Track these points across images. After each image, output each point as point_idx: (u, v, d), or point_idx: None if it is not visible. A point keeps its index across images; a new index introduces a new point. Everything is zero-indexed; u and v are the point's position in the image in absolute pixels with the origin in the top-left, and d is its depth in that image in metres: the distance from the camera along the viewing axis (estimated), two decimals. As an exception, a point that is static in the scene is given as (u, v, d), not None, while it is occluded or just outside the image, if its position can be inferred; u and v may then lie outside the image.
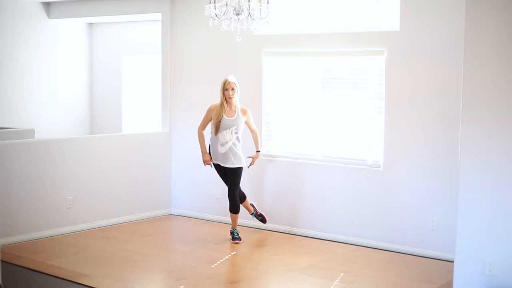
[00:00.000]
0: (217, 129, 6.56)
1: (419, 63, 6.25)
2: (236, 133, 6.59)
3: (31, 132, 8.02)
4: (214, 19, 5.57)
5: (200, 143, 6.75)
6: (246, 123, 6.74)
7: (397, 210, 6.43)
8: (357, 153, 6.72)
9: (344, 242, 6.72)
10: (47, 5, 9.33)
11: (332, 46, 6.81)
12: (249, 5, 5.49)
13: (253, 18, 5.55)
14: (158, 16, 8.20)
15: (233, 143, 6.58)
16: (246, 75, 7.42)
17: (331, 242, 6.76)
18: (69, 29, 9.79)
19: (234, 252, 6.36)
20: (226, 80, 6.59)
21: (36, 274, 5.60)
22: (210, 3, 5.55)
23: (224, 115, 6.56)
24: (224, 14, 5.54)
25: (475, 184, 4.81)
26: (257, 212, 7.03)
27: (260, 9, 5.53)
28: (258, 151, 6.85)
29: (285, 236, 7.03)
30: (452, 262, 5.11)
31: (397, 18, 6.36)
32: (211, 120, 6.67)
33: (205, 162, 6.71)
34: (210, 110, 6.69)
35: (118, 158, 7.56)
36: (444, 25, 6.07)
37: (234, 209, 6.73)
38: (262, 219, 7.05)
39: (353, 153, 6.75)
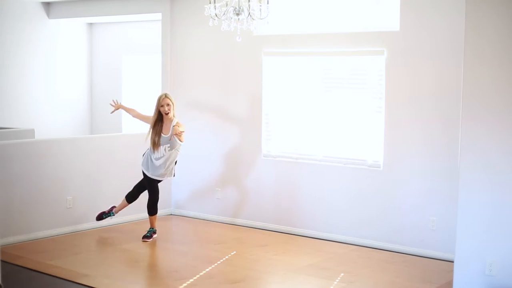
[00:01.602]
0: (155, 145, 6.57)
1: (419, 63, 6.25)
2: (169, 150, 6.60)
3: (31, 132, 8.02)
4: (214, 19, 5.57)
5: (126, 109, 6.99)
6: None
7: (397, 210, 6.43)
8: (357, 153, 6.72)
9: (344, 242, 6.72)
10: (47, 5, 9.33)
11: (332, 46, 6.81)
12: (249, 5, 5.48)
13: (253, 18, 5.54)
14: (158, 16, 8.20)
15: (166, 159, 6.62)
16: (246, 75, 7.42)
17: (331, 242, 6.76)
18: (69, 29, 9.80)
19: (234, 252, 6.36)
20: (161, 96, 6.63)
21: (36, 274, 5.59)
22: (210, 3, 5.55)
23: (162, 132, 6.58)
24: (224, 14, 5.54)
25: (475, 184, 4.81)
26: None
27: (260, 9, 5.52)
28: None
29: (285, 236, 7.03)
30: (452, 262, 5.11)
31: (397, 18, 6.36)
32: (147, 119, 6.77)
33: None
34: (151, 120, 6.69)
35: (118, 158, 7.55)
36: (444, 25, 6.07)
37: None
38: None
39: (353, 153, 6.75)
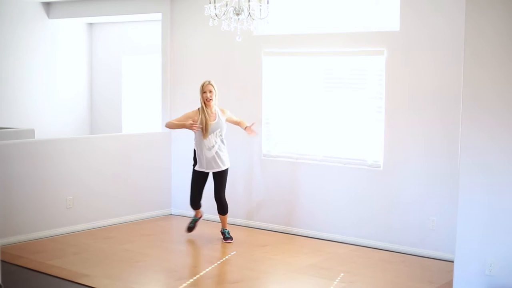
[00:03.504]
0: (207, 133, 6.51)
1: (419, 63, 6.25)
2: (220, 135, 6.59)
3: (31, 132, 8.02)
4: (214, 19, 5.57)
5: (175, 124, 6.59)
6: (229, 120, 6.71)
7: (397, 210, 6.43)
8: (357, 153, 6.72)
9: (344, 242, 6.72)
10: (47, 5, 9.33)
11: (332, 46, 6.81)
12: (249, 5, 5.48)
13: (253, 18, 5.54)
14: (158, 16, 8.21)
15: (219, 147, 6.58)
16: (246, 75, 7.42)
17: (331, 242, 6.76)
18: (69, 29, 9.80)
19: (234, 252, 6.36)
20: (204, 83, 6.57)
21: (36, 274, 5.60)
22: (210, 3, 5.55)
23: (208, 119, 6.52)
24: (224, 14, 5.55)
25: (475, 184, 4.81)
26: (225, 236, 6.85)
27: (260, 9, 5.53)
28: (247, 126, 6.73)
29: (285, 236, 7.03)
30: (452, 262, 5.11)
31: (397, 18, 6.36)
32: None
33: (191, 126, 6.45)
34: (187, 116, 6.59)
35: (118, 158, 7.56)
36: (444, 25, 6.07)
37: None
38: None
39: (353, 153, 6.75)
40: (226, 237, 6.73)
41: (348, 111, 6.77)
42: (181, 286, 5.27)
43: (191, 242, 6.80)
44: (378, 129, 6.56)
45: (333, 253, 6.36)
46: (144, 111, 9.45)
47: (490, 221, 4.76)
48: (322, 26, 6.95)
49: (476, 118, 4.78)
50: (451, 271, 5.28)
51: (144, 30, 9.36)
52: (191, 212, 7.92)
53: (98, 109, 10.09)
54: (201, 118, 6.51)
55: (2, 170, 6.42)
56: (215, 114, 6.57)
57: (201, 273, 5.64)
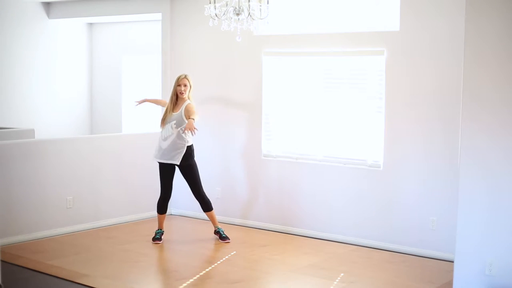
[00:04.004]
0: (163, 122, 6.55)
1: (419, 63, 6.25)
2: (176, 128, 6.49)
3: (31, 132, 8.03)
4: (214, 19, 5.57)
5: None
6: (188, 113, 6.45)
7: (397, 210, 6.43)
8: (357, 153, 6.72)
9: (344, 242, 6.72)
10: (47, 5, 9.33)
11: (332, 46, 6.81)
12: (249, 5, 5.49)
13: (253, 18, 5.55)
14: (158, 16, 8.21)
15: (173, 140, 6.49)
16: (246, 75, 7.42)
17: (331, 242, 6.76)
18: (69, 29, 9.80)
19: (234, 252, 6.36)
20: (180, 76, 6.59)
21: (36, 274, 5.60)
22: (210, 3, 5.56)
23: (169, 110, 6.54)
24: (224, 14, 5.55)
25: (475, 184, 4.81)
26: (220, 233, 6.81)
27: (260, 9, 5.53)
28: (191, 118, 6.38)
29: (285, 236, 7.03)
30: (452, 262, 5.11)
31: (397, 18, 6.36)
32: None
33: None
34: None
35: (118, 158, 7.55)
36: (444, 25, 6.07)
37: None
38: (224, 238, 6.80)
39: (353, 153, 6.75)
40: (222, 236, 6.72)
41: (348, 111, 6.77)
42: (181, 286, 5.27)
43: (191, 242, 6.80)
44: (378, 129, 6.56)
45: (333, 253, 6.36)
46: (144, 111, 9.44)
47: (490, 221, 4.76)
48: (322, 26, 6.95)
49: (476, 118, 4.78)
50: (451, 271, 5.29)
51: (144, 30, 9.36)
52: (191, 212, 7.94)
53: (98, 109, 10.09)
54: (166, 108, 6.60)
55: (2, 170, 6.43)
56: (180, 107, 6.53)
57: (201, 273, 5.64)
